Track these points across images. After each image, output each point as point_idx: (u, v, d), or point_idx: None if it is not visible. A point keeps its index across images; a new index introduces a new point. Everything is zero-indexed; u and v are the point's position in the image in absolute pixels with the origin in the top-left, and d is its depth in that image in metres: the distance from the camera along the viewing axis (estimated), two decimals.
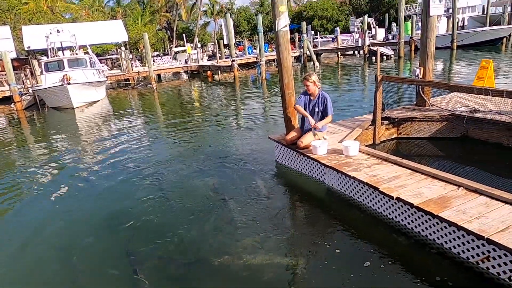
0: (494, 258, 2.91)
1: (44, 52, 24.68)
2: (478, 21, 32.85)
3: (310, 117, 5.18)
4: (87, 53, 20.40)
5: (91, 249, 4.12)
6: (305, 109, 5.33)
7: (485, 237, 2.83)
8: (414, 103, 7.26)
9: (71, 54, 19.05)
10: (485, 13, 31.43)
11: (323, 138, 5.45)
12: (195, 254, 3.77)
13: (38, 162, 7.98)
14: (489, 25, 29.40)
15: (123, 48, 27.74)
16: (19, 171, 7.40)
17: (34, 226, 4.80)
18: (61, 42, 19.35)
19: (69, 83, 15.40)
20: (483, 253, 2.99)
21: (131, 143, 8.82)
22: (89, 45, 21.67)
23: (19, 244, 4.33)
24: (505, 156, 5.48)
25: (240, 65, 24.13)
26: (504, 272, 2.87)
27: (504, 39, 27.06)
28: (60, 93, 15.77)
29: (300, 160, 5.43)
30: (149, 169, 6.62)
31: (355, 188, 4.40)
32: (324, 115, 5.26)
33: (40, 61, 19.44)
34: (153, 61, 28.91)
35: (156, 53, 44.58)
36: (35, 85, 19.09)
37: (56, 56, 18.66)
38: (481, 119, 5.80)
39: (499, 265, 2.89)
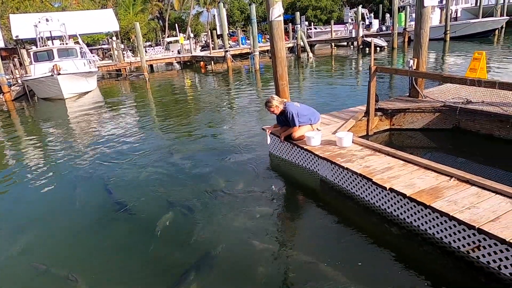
0: (484, 247, 2.95)
1: (33, 41, 24.14)
2: (471, 12, 32.91)
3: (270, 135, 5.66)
4: (77, 42, 20.00)
5: (84, 238, 4.09)
6: (283, 124, 5.46)
7: (476, 226, 2.87)
8: (407, 94, 7.28)
9: (60, 44, 18.68)
10: (478, 4, 31.47)
11: (317, 129, 5.45)
12: (187, 243, 3.77)
13: (29, 153, 7.86)
14: (482, 17, 29.47)
15: (114, 38, 27.27)
16: (9, 162, 7.29)
17: (25, 215, 4.74)
18: (50, 32, 18.95)
19: (59, 74, 15.12)
20: (473, 243, 3.03)
21: (123, 133, 8.73)
22: (79, 34, 21.21)
23: (12, 233, 4.29)
24: (496, 147, 5.54)
25: (233, 56, 23.91)
26: (494, 261, 2.92)
27: (497, 31, 27.18)
28: (50, 84, 15.49)
29: (294, 151, 5.43)
30: (142, 159, 6.57)
31: (349, 179, 4.41)
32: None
33: (29, 50, 19.04)
34: (145, 51, 28.48)
35: (148, 43, 43.91)
36: (24, 75, 18.71)
37: (46, 45, 18.28)
38: (473, 110, 5.84)
39: (489, 254, 2.94)
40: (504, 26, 28.10)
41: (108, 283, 3.33)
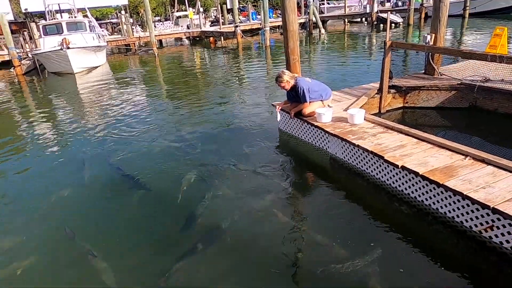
0: (498, 228, 2.88)
1: (42, 15, 23.96)
2: None
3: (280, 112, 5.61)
4: (86, 16, 19.78)
5: (92, 211, 4.15)
6: (291, 101, 5.40)
7: (491, 206, 2.79)
8: (423, 71, 7.03)
9: (69, 17, 18.48)
10: None
11: (328, 105, 5.33)
12: (195, 216, 3.78)
13: (39, 126, 7.93)
14: None
15: (123, 12, 26.88)
16: (19, 135, 7.38)
17: (36, 189, 4.82)
18: (59, 4, 18.75)
19: (68, 48, 15.03)
20: (487, 222, 2.96)
21: (132, 108, 8.71)
22: (88, 8, 20.95)
23: (22, 206, 4.38)
24: None
25: (243, 32, 23.40)
26: (508, 241, 2.86)
27: None
28: (60, 58, 15.45)
29: (304, 127, 5.34)
30: (151, 133, 6.58)
31: (359, 156, 4.33)
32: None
33: (38, 24, 18.90)
34: (154, 26, 28.06)
35: (157, 18, 43.23)
36: (34, 49, 18.68)
37: (55, 19, 18.11)
38: (492, 88, 5.62)
39: (503, 234, 2.87)
40: None
41: (117, 254, 3.38)
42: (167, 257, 3.22)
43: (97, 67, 17.36)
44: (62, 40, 15.31)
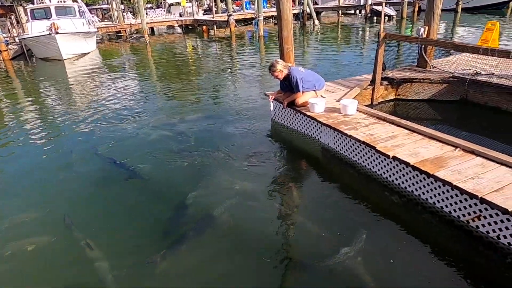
0: (485, 217, 2.94)
1: None
2: None
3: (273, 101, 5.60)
4: (75, 1, 19.29)
5: (82, 199, 4.10)
6: (284, 91, 5.40)
7: (479, 196, 2.84)
8: (415, 64, 7.06)
9: (58, 2, 18.00)
10: None
11: (321, 96, 5.32)
12: (187, 204, 3.78)
13: (26, 113, 7.78)
14: None
15: None
16: (5, 122, 7.22)
17: (23, 178, 4.74)
18: None
19: (57, 33, 14.68)
20: (474, 212, 3.02)
21: (123, 96, 8.59)
22: None
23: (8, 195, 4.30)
24: (503, 120, 5.44)
25: (236, 21, 23.14)
26: (494, 231, 2.92)
27: (510, 3, 26.12)
28: (48, 43, 15.09)
29: (296, 117, 5.34)
30: (141, 122, 6.50)
31: (351, 147, 4.35)
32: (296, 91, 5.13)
33: (25, 8, 18.37)
34: (146, 13, 27.54)
35: (149, 5, 42.43)
36: (22, 34, 18.20)
37: (43, 2, 17.63)
38: (483, 82, 5.68)
39: (489, 224, 2.93)
40: None
41: (109, 242, 3.35)
42: (159, 245, 3.21)
43: (87, 53, 17.03)
44: (51, 24, 14.94)
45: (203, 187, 4.11)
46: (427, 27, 6.49)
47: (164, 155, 5.00)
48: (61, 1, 18.16)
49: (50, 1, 17.67)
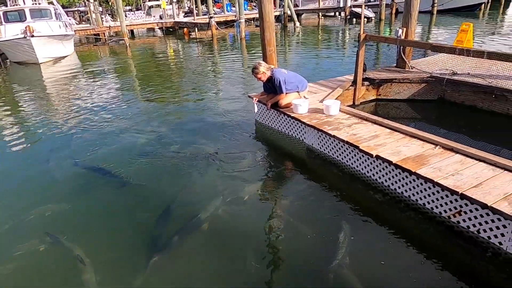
0: (465, 213, 3.03)
1: (2, 1, 22.52)
2: None
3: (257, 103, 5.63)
4: (51, 3, 18.78)
5: (67, 210, 3.98)
6: (267, 92, 5.41)
7: (460, 192, 2.92)
8: (395, 65, 7.23)
9: (33, 4, 17.48)
10: None
11: (304, 97, 5.37)
12: (171, 208, 3.73)
13: (2, 118, 7.50)
14: None
15: (91, 0, 25.73)
16: None
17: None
18: None
19: (32, 36, 14.25)
20: (455, 208, 3.10)
21: (103, 100, 8.41)
22: None
23: None
24: (479, 118, 5.63)
25: (218, 23, 23.09)
26: (474, 226, 3.01)
27: (483, 5, 27.15)
28: (23, 47, 14.61)
29: (280, 119, 5.36)
30: (122, 126, 6.38)
31: (335, 147, 4.40)
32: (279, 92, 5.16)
33: None
34: (125, 16, 27.09)
35: (128, 8, 41.81)
36: None
37: (17, 5, 17.08)
38: (459, 81, 5.87)
39: (470, 219, 3.02)
40: (490, 1, 28.07)
41: (94, 251, 3.26)
42: (145, 251, 3.15)
43: (64, 57, 16.59)
44: (26, 27, 14.49)
45: (187, 192, 4.06)
46: (405, 29, 6.66)
47: (147, 160, 4.91)
48: (36, 3, 17.64)
49: (24, 3, 17.14)
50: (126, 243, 3.33)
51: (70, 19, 23.16)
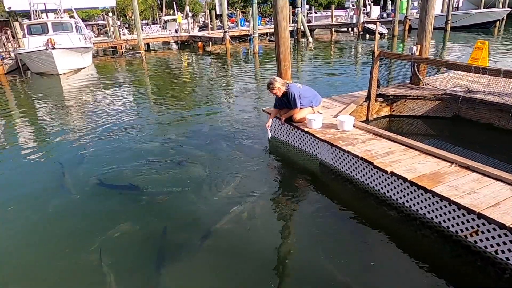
0: (483, 232, 2.99)
1: (26, 14, 23.46)
2: (473, 3, 32.56)
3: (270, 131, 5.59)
4: (72, 17, 19.48)
5: (80, 212, 4.07)
6: (281, 107, 5.39)
7: (477, 211, 2.89)
8: (409, 81, 7.23)
9: (55, 17, 18.16)
10: None
11: (318, 112, 5.41)
12: (182, 221, 3.77)
13: (20, 128, 7.74)
14: (484, 8, 29.22)
15: (110, 14, 26.56)
16: (2, 136, 7.17)
17: (16, 190, 4.69)
18: (44, 4, 18.42)
19: (53, 48, 14.77)
20: (472, 227, 3.06)
21: (118, 111, 8.61)
22: (74, 8, 20.65)
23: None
24: (495, 136, 5.56)
25: (232, 38, 23.51)
26: (491, 246, 2.96)
27: (497, 22, 27.00)
28: (45, 58, 15.15)
29: (294, 133, 5.40)
30: (138, 137, 6.50)
31: (349, 162, 4.41)
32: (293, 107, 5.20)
33: (22, 23, 18.49)
34: (142, 29, 27.83)
35: (144, 21, 42.91)
36: (17, 48, 18.24)
37: (40, 18, 17.77)
38: (475, 99, 5.84)
39: (487, 239, 2.97)
40: (505, 18, 27.91)
41: (109, 260, 3.32)
42: (157, 262, 3.18)
43: (82, 68, 17.10)
44: (48, 40, 15.04)
45: (200, 204, 4.10)
46: (419, 46, 6.69)
47: (160, 172, 4.98)
48: (58, 17, 18.33)
49: (47, 17, 17.84)
50: (138, 253, 3.37)
51: (89, 32, 23.94)
